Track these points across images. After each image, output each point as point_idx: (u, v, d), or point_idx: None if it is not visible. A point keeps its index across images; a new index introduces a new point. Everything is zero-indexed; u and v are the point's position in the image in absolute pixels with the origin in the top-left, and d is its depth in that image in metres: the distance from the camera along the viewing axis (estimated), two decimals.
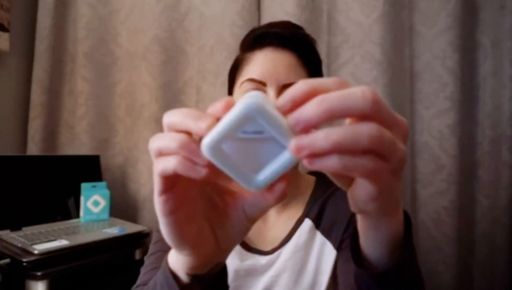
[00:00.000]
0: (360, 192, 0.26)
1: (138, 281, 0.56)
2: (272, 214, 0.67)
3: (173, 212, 0.29)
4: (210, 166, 0.25)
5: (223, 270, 0.37)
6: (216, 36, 1.29)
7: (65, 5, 1.42)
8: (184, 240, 0.31)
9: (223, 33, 1.27)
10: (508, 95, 1.10)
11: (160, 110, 1.33)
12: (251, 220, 0.32)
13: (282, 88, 0.58)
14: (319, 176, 0.72)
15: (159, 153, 0.27)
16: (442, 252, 1.13)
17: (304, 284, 0.61)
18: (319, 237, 0.63)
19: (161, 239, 0.62)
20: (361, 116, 0.23)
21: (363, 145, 0.22)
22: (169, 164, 0.26)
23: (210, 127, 0.24)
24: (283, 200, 0.28)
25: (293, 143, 0.23)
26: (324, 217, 0.64)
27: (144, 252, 1.19)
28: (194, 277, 0.34)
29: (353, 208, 0.28)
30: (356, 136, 0.22)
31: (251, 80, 0.60)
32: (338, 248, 0.62)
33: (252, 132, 0.24)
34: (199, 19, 1.32)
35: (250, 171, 0.25)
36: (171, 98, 1.34)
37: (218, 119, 0.25)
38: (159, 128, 1.32)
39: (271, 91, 0.59)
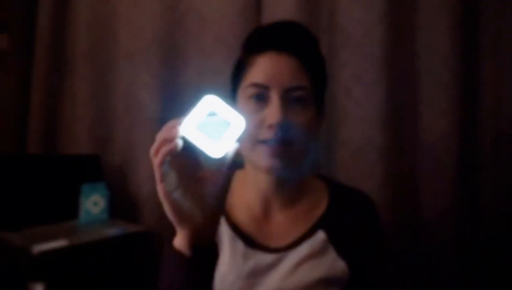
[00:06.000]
0: None
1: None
2: (275, 210, 0.68)
3: (172, 192, 0.43)
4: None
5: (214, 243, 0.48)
6: (216, 36, 1.28)
7: (65, 4, 1.42)
8: (183, 215, 0.44)
9: (223, 33, 1.27)
10: (510, 95, 1.09)
11: (159, 110, 1.32)
12: (222, 189, 0.45)
13: (286, 92, 0.59)
14: (328, 181, 0.73)
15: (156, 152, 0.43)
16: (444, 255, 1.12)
17: None
18: (332, 253, 0.64)
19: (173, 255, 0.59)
20: None
21: None
22: (163, 149, 0.42)
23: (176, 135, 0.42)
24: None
25: None
26: (340, 233, 0.65)
27: (144, 253, 1.20)
28: (196, 249, 0.45)
29: None
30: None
31: (255, 84, 0.61)
32: (353, 267, 0.64)
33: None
34: (199, 19, 1.31)
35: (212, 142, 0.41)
36: (171, 98, 1.33)
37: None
38: (158, 128, 1.31)
39: (274, 95, 0.59)
